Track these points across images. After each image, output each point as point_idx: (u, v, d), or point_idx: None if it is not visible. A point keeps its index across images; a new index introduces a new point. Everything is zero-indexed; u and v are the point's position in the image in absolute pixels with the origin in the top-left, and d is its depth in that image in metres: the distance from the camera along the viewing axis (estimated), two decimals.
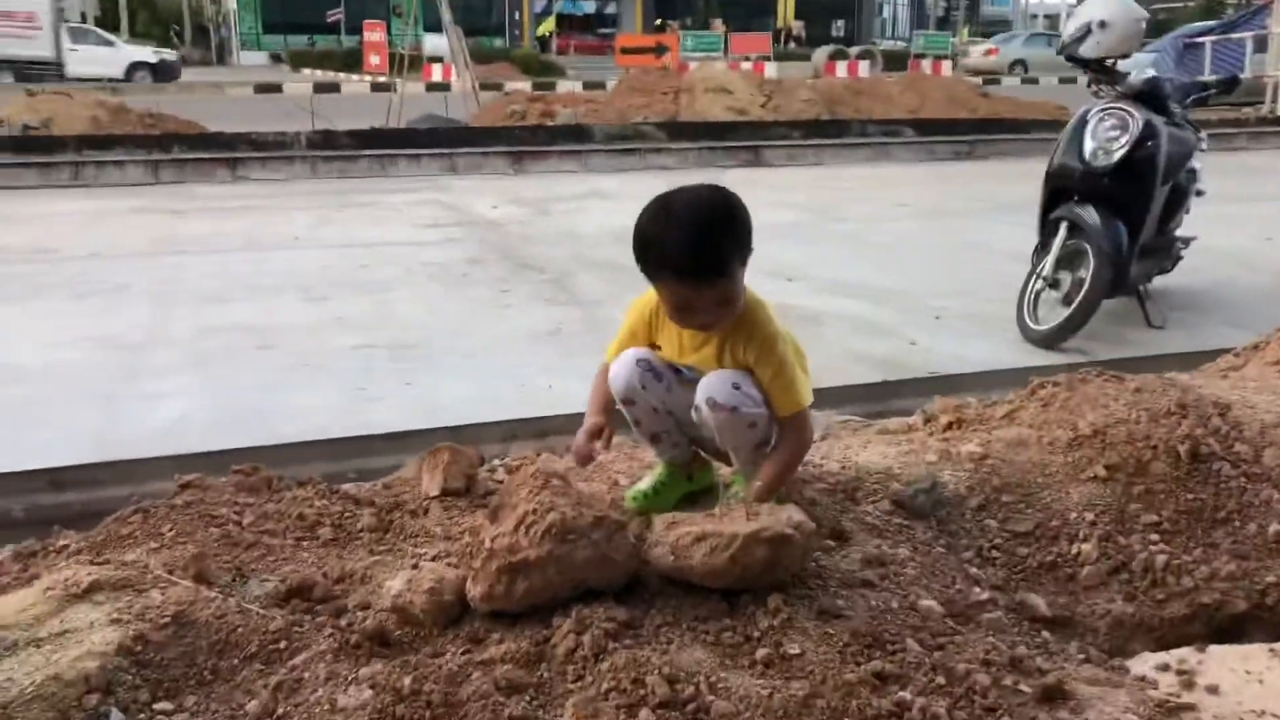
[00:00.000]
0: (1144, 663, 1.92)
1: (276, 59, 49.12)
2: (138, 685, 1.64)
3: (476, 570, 1.79)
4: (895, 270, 7.21)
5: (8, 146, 11.26)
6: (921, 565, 2.06)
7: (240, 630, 1.76)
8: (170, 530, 2.16)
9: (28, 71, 29.26)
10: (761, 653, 1.70)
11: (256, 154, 11.73)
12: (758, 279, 2.31)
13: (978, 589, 2.05)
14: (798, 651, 1.70)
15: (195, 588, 1.88)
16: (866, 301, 6.22)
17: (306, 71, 40.12)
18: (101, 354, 5.18)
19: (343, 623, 1.84)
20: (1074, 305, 5.24)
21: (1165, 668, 1.90)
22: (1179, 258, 6.07)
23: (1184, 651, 1.97)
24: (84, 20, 45.52)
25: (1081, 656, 1.92)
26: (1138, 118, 5.26)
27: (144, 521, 2.21)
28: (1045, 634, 2.00)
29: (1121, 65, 5.54)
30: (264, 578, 2.00)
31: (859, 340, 5.45)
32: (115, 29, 49.75)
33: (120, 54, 32.65)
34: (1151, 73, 5.74)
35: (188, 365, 5.03)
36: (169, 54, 30.74)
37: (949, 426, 2.81)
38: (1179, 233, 5.94)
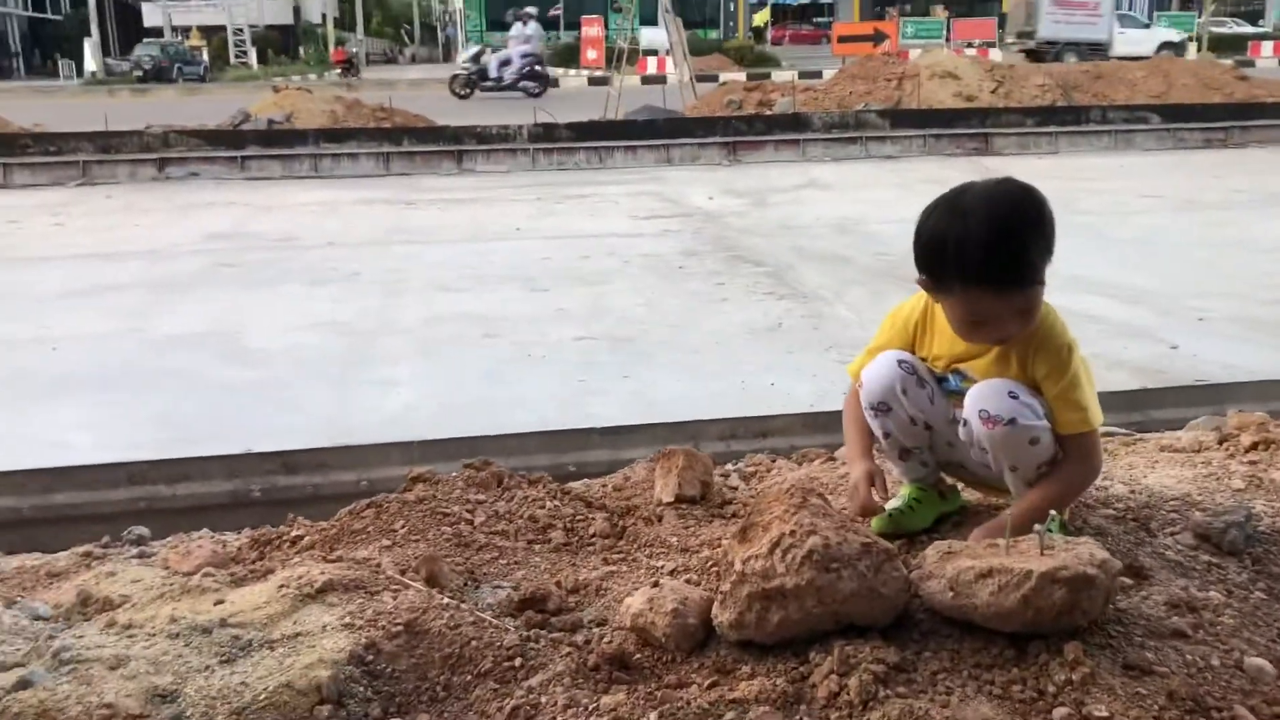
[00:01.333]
0: None
1: None
2: (369, 698, 1.55)
3: (725, 595, 1.62)
4: (1147, 267, 6.63)
5: (255, 140, 11.96)
6: (1240, 613, 1.75)
7: (474, 644, 1.64)
8: (403, 527, 2.09)
9: (1085, 53, 33.21)
10: (1060, 712, 1.45)
11: (481, 147, 12.03)
12: None
13: None
14: (1105, 715, 1.44)
15: (428, 592, 1.79)
16: (1117, 301, 5.71)
17: None
18: (336, 339, 5.34)
19: (579, 639, 1.70)
20: None
21: None
22: None
23: None
24: (323, 20, 48.56)
25: None
26: None
27: (377, 516, 2.16)
28: None
29: None
30: (496, 584, 1.89)
31: (1112, 344, 4.98)
32: (351, 28, 52.75)
33: (1153, 35, 36.63)
34: None
35: (416, 353, 5.11)
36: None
37: (1253, 447, 2.44)
38: None
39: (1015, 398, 1.91)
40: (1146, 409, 4.08)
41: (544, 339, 5.29)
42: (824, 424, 3.67)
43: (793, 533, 1.57)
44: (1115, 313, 5.49)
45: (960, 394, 2.01)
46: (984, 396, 1.93)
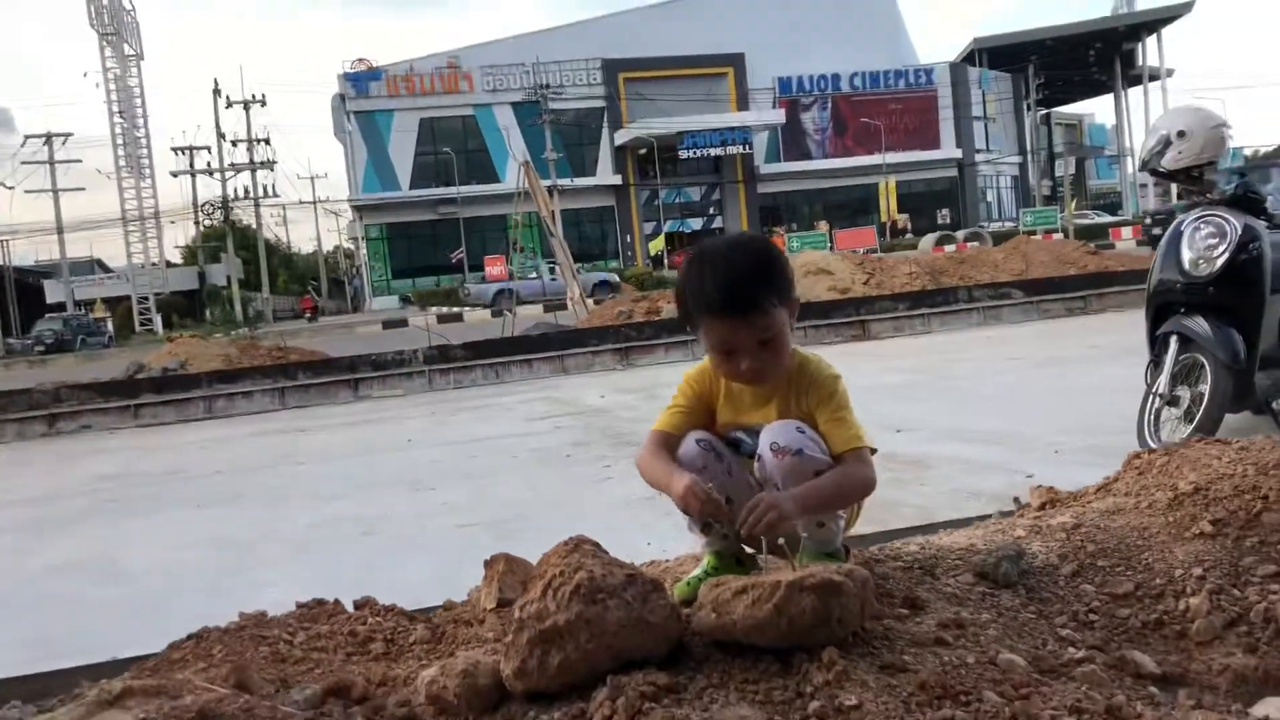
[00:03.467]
0: (1268, 706, 1.66)
1: (406, 300, 52.18)
2: None
3: (508, 645, 1.69)
4: (1009, 415, 6.96)
5: (149, 388, 12.00)
6: (1006, 628, 1.86)
7: None
8: (221, 651, 2.12)
9: None
10: (814, 706, 1.53)
11: (376, 373, 12.23)
12: None
13: (1072, 649, 1.83)
14: (855, 703, 1.53)
15: (232, 693, 1.81)
16: (979, 444, 5.99)
17: (433, 309, 42.45)
18: (212, 552, 5.30)
19: (374, 716, 1.74)
20: (1196, 420, 4.93)
21: None
22: None
23: None
24: (229, 282, 49.48)
25: (1191, 703, 1.67)
26: (1235, 223, 5.09)
27: (197, 645, 2.18)
28: (1152, 688, 1.76)
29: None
30: (306, 686, 1.92)
31: (971, 479, 5.21)
32: (258, 288, 53.60)
33: None
34: (1238, 180, 5.57)
35: (292, 556, 5.09)
36: None
37: (1041, 508, 2.61)
38: None
39: (803, 433, 2.11)
40: None
41: (424, 530, 5.32)
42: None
43: (561, 572, 1.67)
44: (976, 454, 5.74)
45: (754, 455, 2.18)
46: (775, 431, 2.13)
